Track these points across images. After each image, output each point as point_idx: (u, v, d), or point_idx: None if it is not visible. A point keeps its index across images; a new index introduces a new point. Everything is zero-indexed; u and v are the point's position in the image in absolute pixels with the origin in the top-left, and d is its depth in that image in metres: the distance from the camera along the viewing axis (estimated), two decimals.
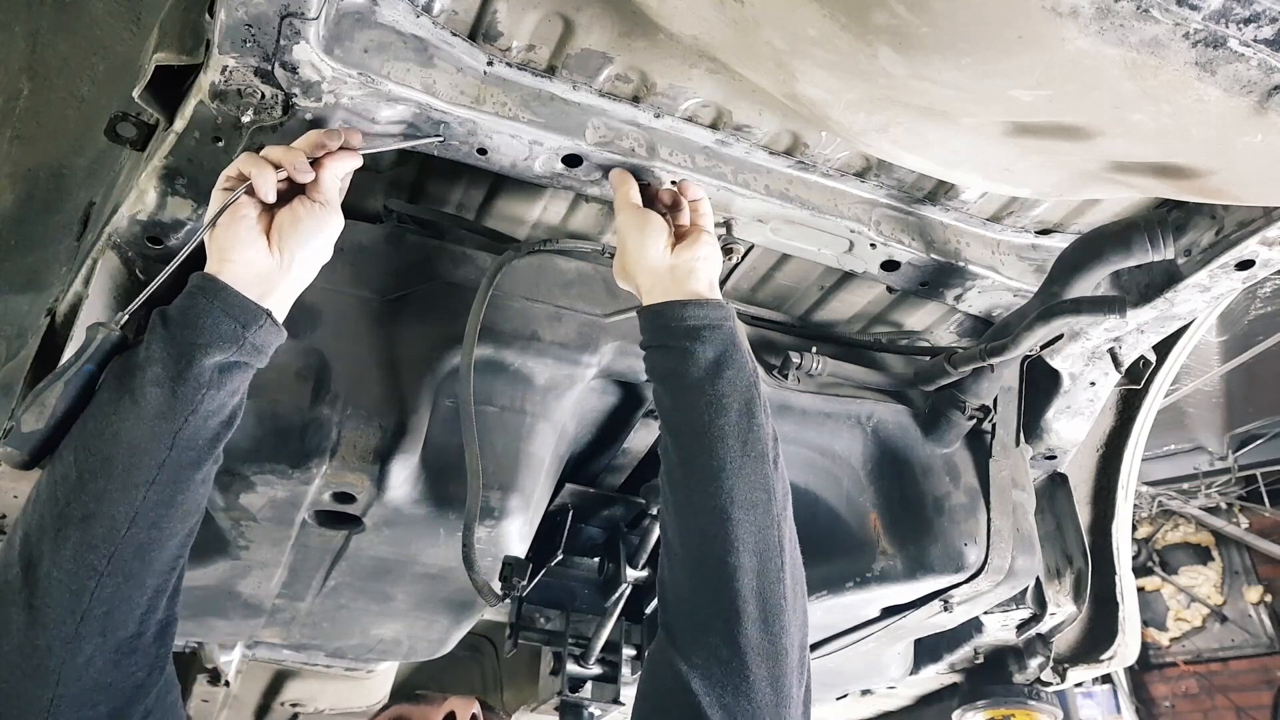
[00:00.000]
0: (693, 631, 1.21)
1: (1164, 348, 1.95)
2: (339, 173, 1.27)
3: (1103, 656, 2.40)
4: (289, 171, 1.22)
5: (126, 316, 1.22)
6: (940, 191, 1.65)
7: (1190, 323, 1.79)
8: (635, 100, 1.44)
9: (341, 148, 1.26)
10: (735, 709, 1.14)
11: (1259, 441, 6.32)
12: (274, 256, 1.22)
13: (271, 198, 1.22)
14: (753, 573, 1.19)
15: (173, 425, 1.12)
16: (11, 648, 1.03)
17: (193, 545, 1.66)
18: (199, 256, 1.23)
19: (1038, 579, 2.21)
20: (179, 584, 1.17)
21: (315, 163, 1.24)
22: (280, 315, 1.23)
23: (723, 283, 1.82)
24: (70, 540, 1.06)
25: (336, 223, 1.28)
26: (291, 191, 1.25)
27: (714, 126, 1.50)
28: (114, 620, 1.07)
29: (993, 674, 2.53)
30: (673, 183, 1.47)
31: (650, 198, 1.46)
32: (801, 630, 1.22)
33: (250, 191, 1.21)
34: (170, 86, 1.27)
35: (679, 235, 1.40)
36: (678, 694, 1.16)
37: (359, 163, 1.29)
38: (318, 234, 1.25)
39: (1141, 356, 1.89)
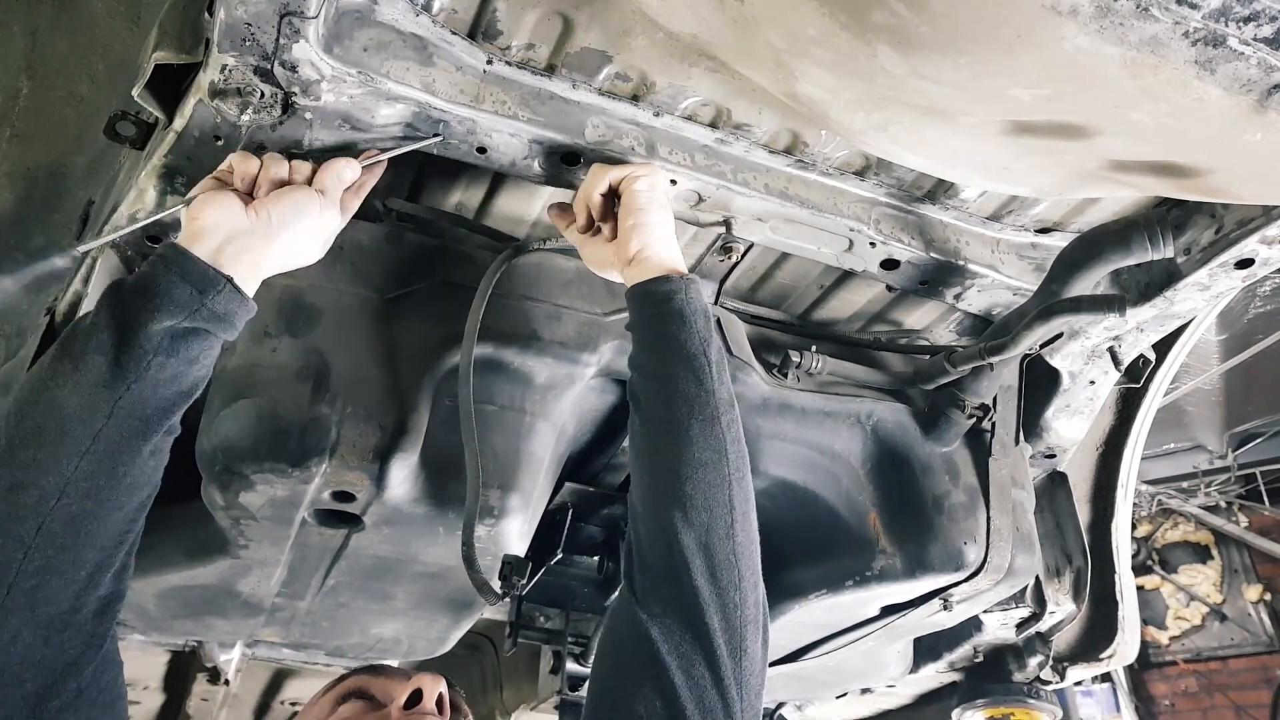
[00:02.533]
0: (651, 583, 1.23)
1: (1163, 346, 1.95)
2: (336, 172, 1.29)
3: (1102, 655, 2.40)
4: (271, 172, 1.26)
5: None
6: (940, 190, 1.65)
7: (1190, 321, 1.79)
8: (635, 99, 1.44)
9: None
10: (691, 657, 1.15)
11: (1258, 440, 6.32)
12: (250, 217, 1.21)
13: (249, 177, 1.25)
14: (702, 527, 1.22)
15: (114, 393, 1.08)
16: None
17: (193, 544, 1.66)
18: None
19: (1037, 577, 2.21)
20: (128, 559, 1.14)
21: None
22: (248, 287, 1.21)
23: (723, 281, 1.82)
24: None
25: (331, 214, 1.29)
26: None
27: (713, 125, 1.49)
28: (44, 595, 1.03)
29: (992, 672, 2.53)
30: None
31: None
32: (755, 588, 1.24)
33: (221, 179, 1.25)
34: (170, 85, 1.27)
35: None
36: (636, 642, 1.18)
37: (357, 171, 1.31)
38: (307, 212, 1.25)
39: (1141, 355, 1.89)
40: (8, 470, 1.05)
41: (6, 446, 1.06)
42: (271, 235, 1.23)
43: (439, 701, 1.47)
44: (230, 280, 1.18)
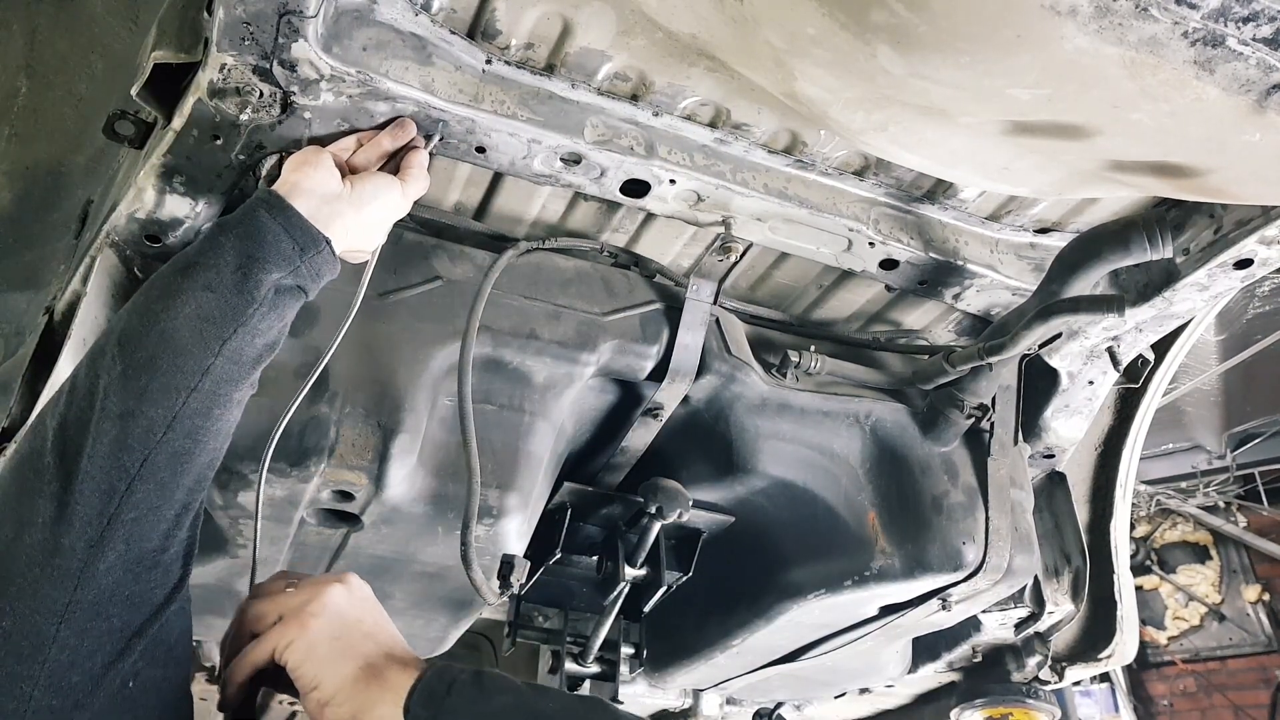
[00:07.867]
0: None
1: (1162, 346, 1.95)
2: (419, 160, 1.35)
3: (1101, 655, 2.40)
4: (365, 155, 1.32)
5: None
6: (939, 190, 1.65)
7: (1188, 321, 1.80)
8: (634, 98, 1.44)
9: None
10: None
11: (1257, 440, 6.32)
12: (345, 186, 1.26)
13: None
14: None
15: (221, 332, 1.10)
16: (35, 542, 0.98)
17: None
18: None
19: (1036, 577, 2.21)
20: (201, 509, 1.13)
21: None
22: (338, 251, 1.25)
23: (721, 281, 1.82)
24: (107, 435, 1.02)
25: (403, 201, 1.34)
26: None
27: (713, 125, 1.49)
28: (140, 530, 1.03)
29: (991, 673, 2.53)
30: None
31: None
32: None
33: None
34: (168, 84, 1.27)
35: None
36: None
37: (426, 158, 1.37)
38: (391, 191, 1.31)
39: (1140, 355, 1.89)
40: (119, 398, 1.04)
41: (120, 374, 1.05)
42: (361, 205, 1.27)
43: None
44: (329, 242, 1.22)
